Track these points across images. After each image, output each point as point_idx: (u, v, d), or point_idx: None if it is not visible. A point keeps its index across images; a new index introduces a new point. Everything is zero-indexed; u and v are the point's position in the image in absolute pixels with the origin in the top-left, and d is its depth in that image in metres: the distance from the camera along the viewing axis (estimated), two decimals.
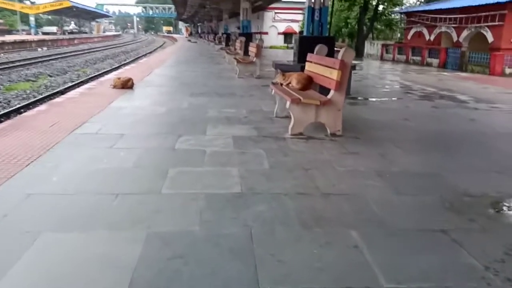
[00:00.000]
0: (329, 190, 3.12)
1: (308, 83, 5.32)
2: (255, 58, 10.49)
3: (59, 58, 25.33)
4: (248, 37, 15.80)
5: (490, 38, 16.05)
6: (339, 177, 3.43)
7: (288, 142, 4.45)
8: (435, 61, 18.17)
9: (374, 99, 7.97)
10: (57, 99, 6.78)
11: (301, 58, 8.02)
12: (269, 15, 40.81)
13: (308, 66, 5.66)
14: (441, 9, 19.04)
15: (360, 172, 3.54)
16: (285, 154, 4.00)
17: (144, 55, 27.68)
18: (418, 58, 19.64)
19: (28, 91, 12.32)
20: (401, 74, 14.15)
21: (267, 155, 3.91)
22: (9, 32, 59.52)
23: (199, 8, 40.54)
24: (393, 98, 8.27)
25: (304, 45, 8.00)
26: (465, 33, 17.47)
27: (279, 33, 41.18)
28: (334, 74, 4.53)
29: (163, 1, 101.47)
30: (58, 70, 19.13)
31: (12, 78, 15.15)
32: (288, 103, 4.64)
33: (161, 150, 4.02)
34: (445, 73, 15.01)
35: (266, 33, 40.68)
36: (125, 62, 23.35)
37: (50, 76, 17.05)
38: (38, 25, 77.14)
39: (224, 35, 25.34)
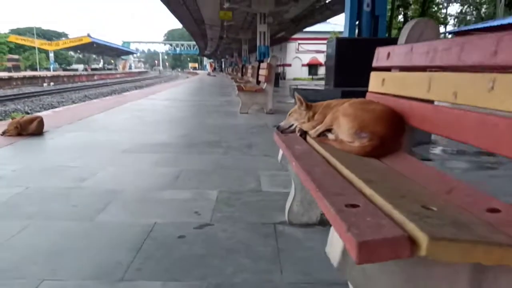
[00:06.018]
0: None
1: (391, 131, 1.68)
2: (265, 83, 6.90)
3: (55, 93, 22.76)
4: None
5: None
6: None
7: None
8: None
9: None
10: None
11: (341, 78, 4.46)
12: (292, 46, 38.08)
13: (374, 82, 2.05)
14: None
15: None
16: None
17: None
18: None
19: None
20: None
21: None
22: (33, 70, 59.05)
23: (219, 40, 38.15)
24: None
25: (346, 54, 4.44)
26: None
27: (303, 65, 38.29)
28: None
29: (189, 38, 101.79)
30: (43, 106, 16.25)
31: None
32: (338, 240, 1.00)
33: None
34: None
35: (290, 65, 37.85)
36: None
37: (27, 113, 14.16)
38: (67, 63, 77.54)
39: (241, 66, 22.24)
